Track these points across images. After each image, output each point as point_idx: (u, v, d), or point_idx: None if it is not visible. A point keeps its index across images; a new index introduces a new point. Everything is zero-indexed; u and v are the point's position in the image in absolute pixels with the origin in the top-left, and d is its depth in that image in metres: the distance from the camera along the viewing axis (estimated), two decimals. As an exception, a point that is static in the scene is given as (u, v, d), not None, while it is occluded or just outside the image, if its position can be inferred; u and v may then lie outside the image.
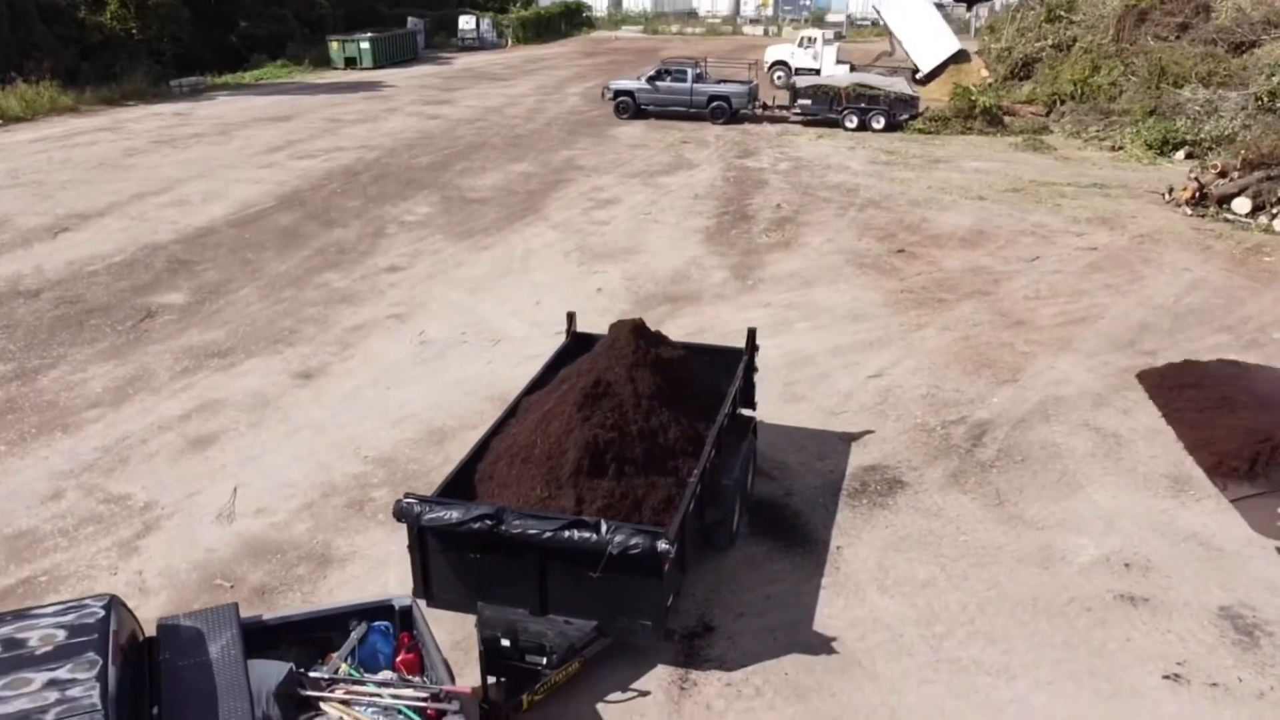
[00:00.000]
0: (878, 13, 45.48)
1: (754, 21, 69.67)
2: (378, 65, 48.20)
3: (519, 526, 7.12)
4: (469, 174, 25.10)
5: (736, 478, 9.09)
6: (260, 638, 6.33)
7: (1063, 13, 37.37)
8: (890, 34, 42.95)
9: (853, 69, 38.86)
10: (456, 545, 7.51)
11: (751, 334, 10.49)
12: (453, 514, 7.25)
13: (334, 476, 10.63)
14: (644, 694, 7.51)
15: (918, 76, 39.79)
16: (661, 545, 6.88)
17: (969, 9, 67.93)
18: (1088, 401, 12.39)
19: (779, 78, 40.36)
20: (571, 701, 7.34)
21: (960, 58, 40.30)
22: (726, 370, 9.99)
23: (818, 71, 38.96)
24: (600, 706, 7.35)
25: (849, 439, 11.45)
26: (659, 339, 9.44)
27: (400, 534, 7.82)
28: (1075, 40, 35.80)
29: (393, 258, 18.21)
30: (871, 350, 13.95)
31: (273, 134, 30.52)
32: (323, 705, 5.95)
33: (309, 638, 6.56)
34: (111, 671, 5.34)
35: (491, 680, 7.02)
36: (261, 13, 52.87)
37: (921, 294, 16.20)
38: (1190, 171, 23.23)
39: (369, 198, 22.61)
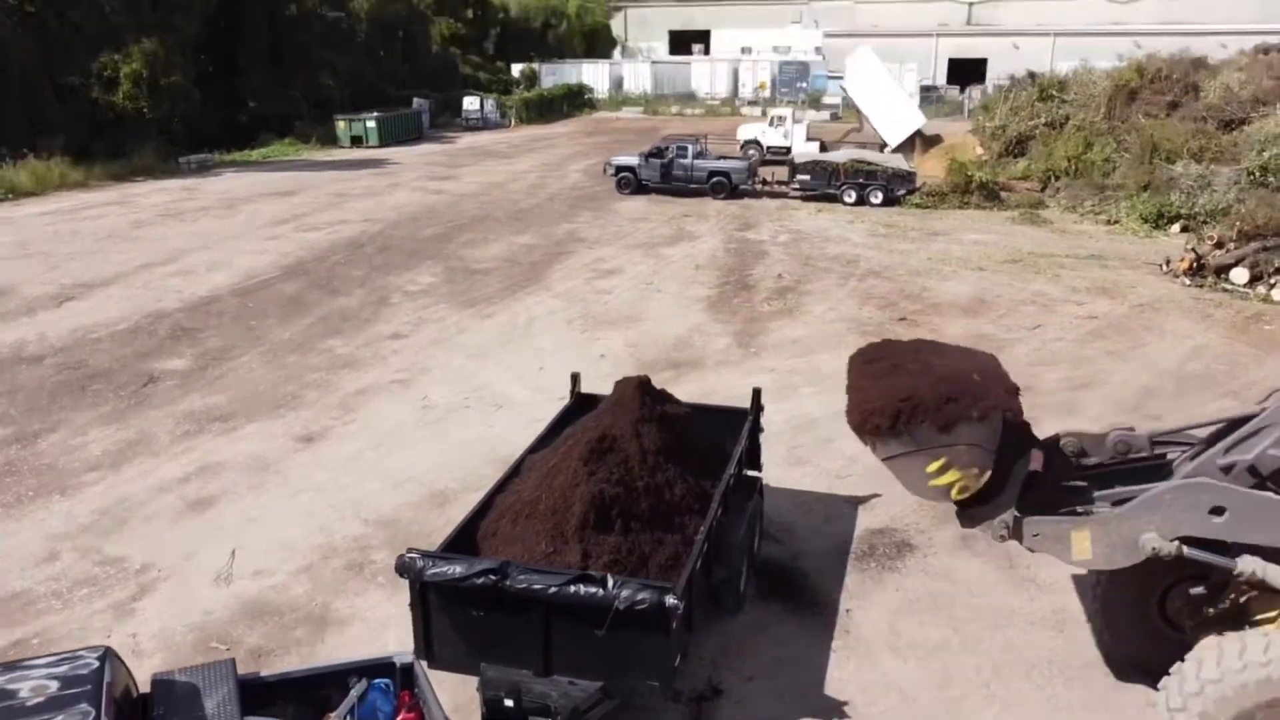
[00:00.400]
0: (844, 91, 46.71)
1: (752, 103, 71.04)
2: (383, 143, 49.07)
3: (524, 582, 6.97)
4: (472, 245, 25.35)
5: (743, 537, 8.96)
6: (258, 695, 6.15)
7: (1055, 92, 38.19)
8: (858, 111, 44.01)
9: (823, 146, 39.79)
10: (459, 602, 7.35)
11: (757, 394, 10.44)
12: (456, 569, 7.12)
13: (334, 539, 10.48)
14: (651, 758, 7.28)
15: (885, 151, 40.68)
16: (669, 601, 6.73)
17: (961, 91, 69.62)
18: (1095, 465, 12.26)
19: (751, 155, 40.93)
20: (577, 768, 7.10)
21: (936, 139, 41.54)
22: (732, 430, 9.92)
23: (788, 150, 39.73)
24: (607, 774, 7.11)
25: (855, 502, 11.33)
26: (664, 396, 9.40)
27: (400, 596, 7.66)
28: (1068, 118, 36.51)
29: (396, 325, 18.27)
30: (876, 415, 13.86)
31: (278, 208, 30.92)
32: (320, 764, 5.75)
33: (307, 696, 6.37)
34: (104, 723, 5.19)
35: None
36: (270, 93, 54.08)
37: (924, 360, 16.17)
38: (1187, 243, 23.46)
39: (373, 267, 22.79)
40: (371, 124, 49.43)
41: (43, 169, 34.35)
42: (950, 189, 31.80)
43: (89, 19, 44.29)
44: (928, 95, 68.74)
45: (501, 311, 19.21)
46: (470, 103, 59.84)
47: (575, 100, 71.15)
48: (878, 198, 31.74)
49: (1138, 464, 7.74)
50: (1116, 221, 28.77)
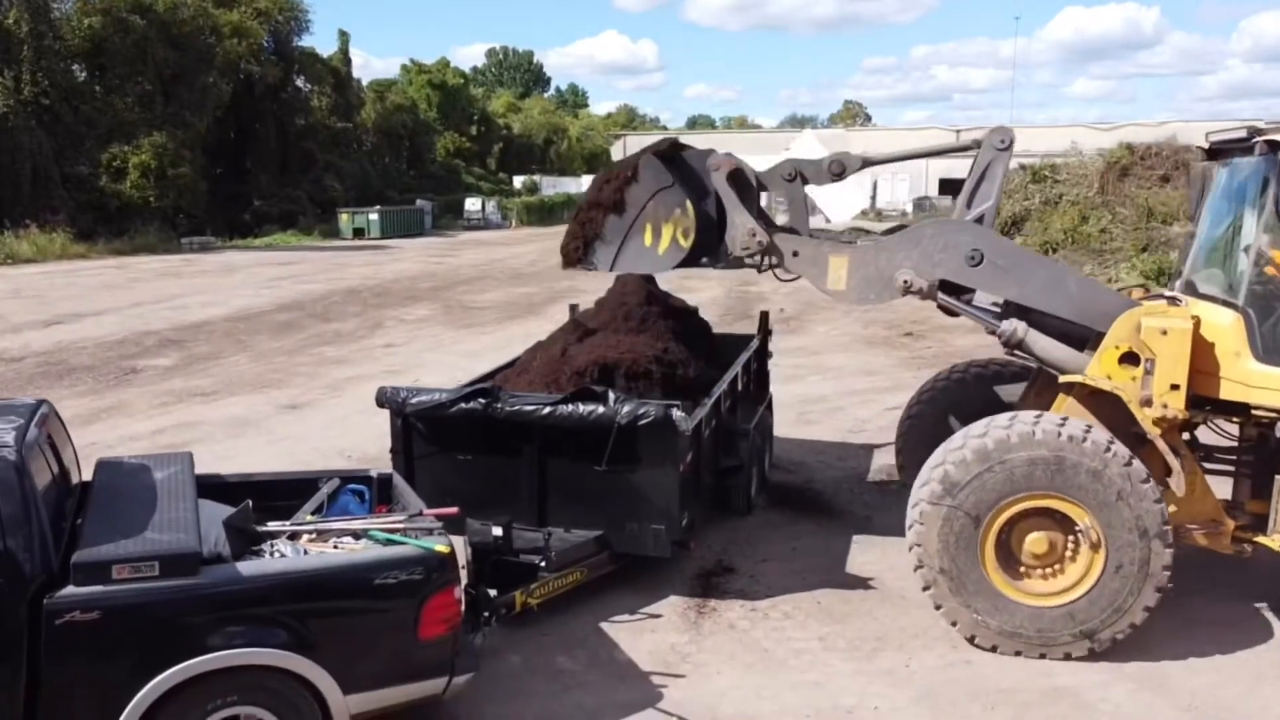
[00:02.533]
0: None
1: (749, 210, 72.62)
2: (386, 236, 49.59)
3: (515, 403, 6.36)
4: (471, 293, 25.14)
5: (753, 435, 8.31)
6: (218, 495, 5.47)
7: (1047, 174, 38.83)
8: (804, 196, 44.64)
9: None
10: (445, 445, 6.70)
11: (764, 317, 9.98)
12: (441, 395, 6.51)
13: (314, 469, 9.75)
14: (654, 616, 6.47)
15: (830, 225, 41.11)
16: (676, 414, 6.10)
17: (953, 199, 71.32)
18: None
19: None
20: (573, 620, 6.30)
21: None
22: (740, 351, 9.40)
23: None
24: (606, 626, 6.30)
25: (870, 447, 10.66)
26: (673, 298, 8.95)
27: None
28: (1061, 196, 36.99)
29: (390, 339, 17.82)
30: (886, 392, 13.31)
31: (277, 271, 30.86)
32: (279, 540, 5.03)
33: (274, 505, 5.65)
34: (32, 431, 4.56)
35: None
36: (276, 193, 55.11)
37: (934, 360, 15.69)
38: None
39: (369, 305, 22.50)
40: (374, 216, 50.12)
41: (44, 240, 34.51)
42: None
43: (102, 114, 45.49)
44: (920, 204, 70.29)
45: (498, 330, 18.79)
46: (472, 203, 60.94)
47: (574, 208, 72.62)
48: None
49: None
50: (1117, 280, 28.68)
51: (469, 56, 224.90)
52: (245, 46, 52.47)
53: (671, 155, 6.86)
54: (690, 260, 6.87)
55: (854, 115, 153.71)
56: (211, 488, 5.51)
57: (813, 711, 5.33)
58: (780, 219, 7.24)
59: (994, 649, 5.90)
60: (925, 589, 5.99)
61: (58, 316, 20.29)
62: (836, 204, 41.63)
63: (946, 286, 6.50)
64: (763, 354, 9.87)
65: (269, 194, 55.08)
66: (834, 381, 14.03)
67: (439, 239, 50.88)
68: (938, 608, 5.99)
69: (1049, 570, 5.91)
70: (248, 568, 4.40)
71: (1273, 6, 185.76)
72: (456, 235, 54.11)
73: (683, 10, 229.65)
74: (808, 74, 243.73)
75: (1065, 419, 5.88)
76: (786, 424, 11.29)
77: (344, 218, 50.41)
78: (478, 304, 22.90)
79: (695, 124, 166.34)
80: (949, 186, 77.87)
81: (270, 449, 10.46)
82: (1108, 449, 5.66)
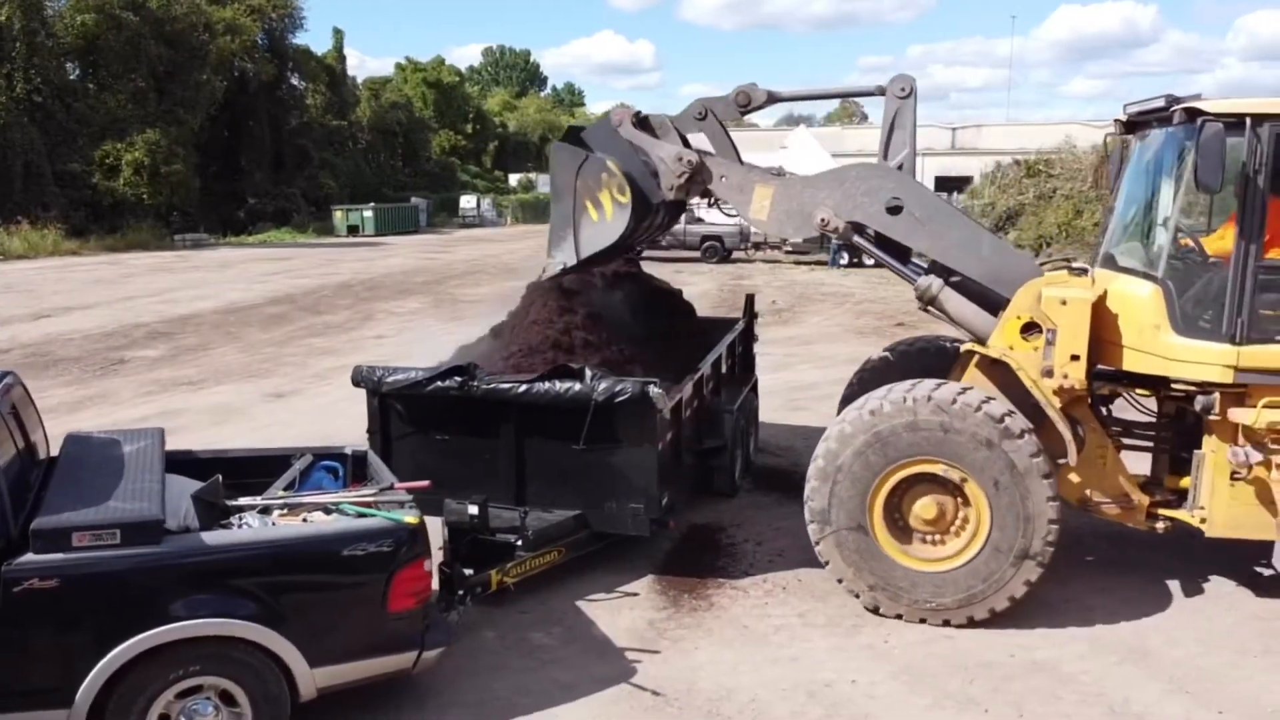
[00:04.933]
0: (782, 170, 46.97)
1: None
2: (380, 233, 49.51)
3: (491, 382, 6.29)
4: (463, 286, 25.09)
5: (737, 415, 8.25)
6: (189, 471, 5.40)
7: (1041, 168, 38.81)
8: None
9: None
10: (422, 425, 6.64)
11: (750, 300, 9.94)
12: (417, 374, 6.45)
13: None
14: (632, 595, 6.42)
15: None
16: (653, 390, 6.05)
17: (949, 195, 71.17)
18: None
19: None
20: (551, 598, 6.25)
21: None
22: (724, 334, 9.34)
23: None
24: (583, 604, 6.25)
25: (858, 433, 10.60)
26: (656, 278, 8.90)
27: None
28: (1056, 190, 36.97)
29: (380, 331, 17.77)
30: (876, 380, 13.27)
31: (270, 266, 30.79)
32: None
33: (247, 481, 5.59)
34: (-9, 398, 4.50)
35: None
36: (270, 191, 54.98)
37: (924, 349, 15.65)
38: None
39: (360, 299, 22.43)
40: (369, 214, 50.03)
41: (36, 237, 34.40)
42: (943, 248, 31.83)
43: (95, 111, 45.35)
44: (916, 199, 70.32)
45: (489, 323, 18.69)
46: (467, 200, 60.87)
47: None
48: (872, 259, 31.70)
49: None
50: (1111, 272, 28.67)
51: (465, 57, 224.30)
52: (239, 43, 52.36)
53: (575, 136, 7.02)
54: (639, 213, 6.86)
55: (850, 114, 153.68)
56: (183, 463, 5.46)
57: (791, 686, 5.28)
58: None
59: (875, 610, 6.00)
60: (812, 523, 6.07)
61: (47, 310, 20.21)
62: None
63: (861, 231, 6.53)
64: (748, 337, 9.82)
65: (263, 191, 54.95)
66: (824, 369, 13.98)
67: (434, 236, 50.83)
68: (816, 543, 6.06)
69: (935, 537, 5.96)
70: (212, 538, 4.34)
71: (1269, 5, 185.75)
72: (451, 232, 54.07)
73: (678, 10, 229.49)
74: (804, 73, 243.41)
75: (966, 387, 5.87)
76: (775, 410, 11.27)
77: (338, 215, 50.33)
78: (469, 297, 22.83)
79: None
80: (944, 187, 77.91)
81: (254, 435, 10.39)
82: (1001, 420, 5.63)
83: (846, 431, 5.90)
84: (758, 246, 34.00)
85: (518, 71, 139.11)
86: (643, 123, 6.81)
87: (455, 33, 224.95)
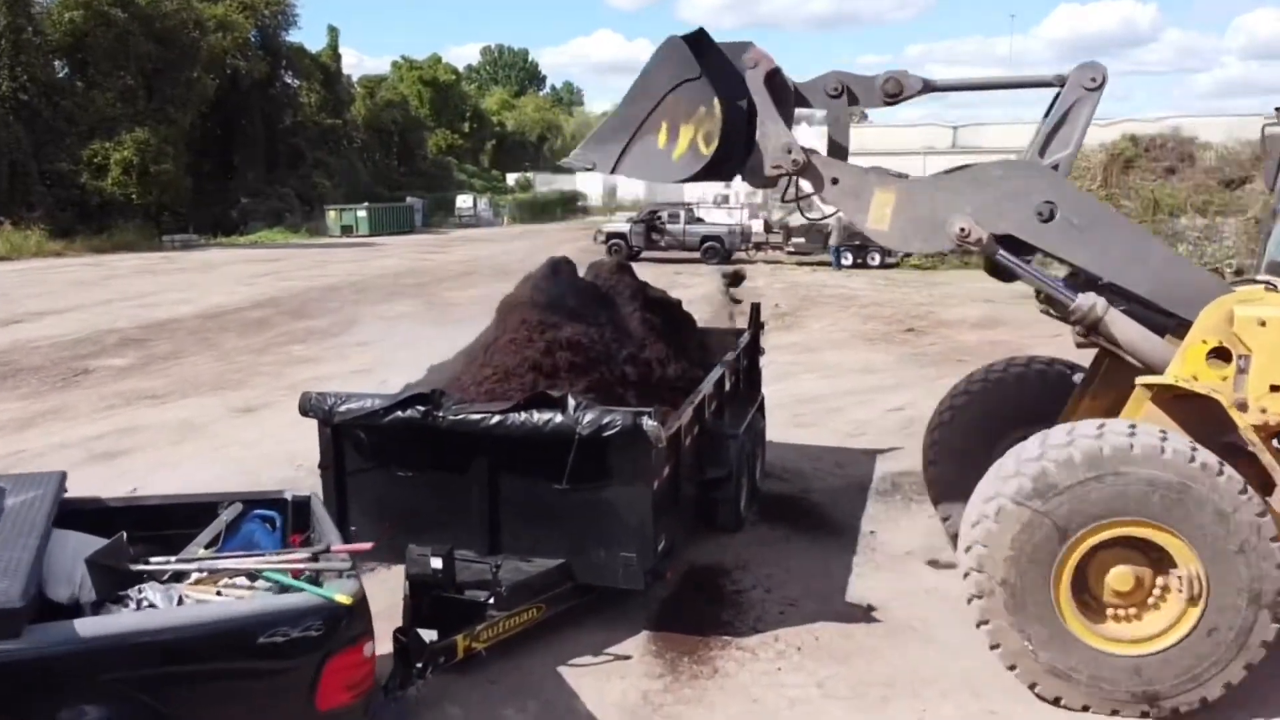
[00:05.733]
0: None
1: (744, 205, 71.47)
2: (374, 233, 48.70)
3: (459, 412, 5.43)
4: (454, 289, 24.22)
5: (743, 440, 7.37)
6: (95, 524, 4.52)
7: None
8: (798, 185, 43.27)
9: (767, 225, 39.07)
10: (382, 459, 5.78)
11: (755, 309, 9.09)
12: (374, 401, 5.58)
13: (259, 481, 8.82)
14: (623, 658, 5.55)
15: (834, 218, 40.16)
16: (648, 423, 5.18)
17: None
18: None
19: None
20: (527, 663, 5.39)
21: None
22: (728, 347, 8.46)
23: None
24: (565, 670, 5.38)
25: (872, 453, 9.75)
26: (650, 286, 8.04)
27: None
28: (1065, 189, 36.11)
29: (364, 336, 16.87)
30: (888, 391, 12.42)
31: (258, 268, 29.94)
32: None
33: (164, 534, 4.72)
34: None
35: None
36: (264, 190, 54.12)
37: (937, 357, 14.81)
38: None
39: (347, 302, 21.58)
40: (362, 213, 49.20)
41: (19, 238, 33.58)
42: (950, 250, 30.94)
43: (83, 109, 44.49)
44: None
45: (478, 327, 17.85)
46: (464, 200, 60.05)
47: (568, 205, 71.62)
48: (876, 259, 30.87)
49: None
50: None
51: (463, 56, 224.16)
52: (231, 41, 51.53)
53: (701, 44, 5.60)
54: (707, 173, 5.61)
55: (850, 113, 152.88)
56: (88, 515, 4.58)
57: (809, 780, 4.43)
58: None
59: (1033, 686, 4.96)
60: (975, 598, 4.91)
61: (19, 314, 19.37)
62: (832, 199, 40.71)
63: (1008, 243, 5.35)
64: (753, 350, 8.97)
65: (256, 191, 54.13)
66: (831, 380, 13.13)
67: (429, 236, 49.98)
68: (982, 623, 4.95)
69: (1128, 612, 4.87)
70: (88, 626, 3.46)
71: (1268, 4, 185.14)
72: (447, 233, 53.22)
73: (676, 9, 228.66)
74: (802, 72, 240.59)
75: (1162, 432, 4.81)
76: (780, 426, 10.40)
77: (331, 215, 49.50)
78: (460, 300, 21.95)
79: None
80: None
81: (213, 455, 9.54)
82: (1243, 492, 4.60)
83: (1074, 459, 4.73)
84: (759, 247, 33.17)
85: (516, 71, 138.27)
86: (773, 81, 5.59)
87: (454, 32, 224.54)
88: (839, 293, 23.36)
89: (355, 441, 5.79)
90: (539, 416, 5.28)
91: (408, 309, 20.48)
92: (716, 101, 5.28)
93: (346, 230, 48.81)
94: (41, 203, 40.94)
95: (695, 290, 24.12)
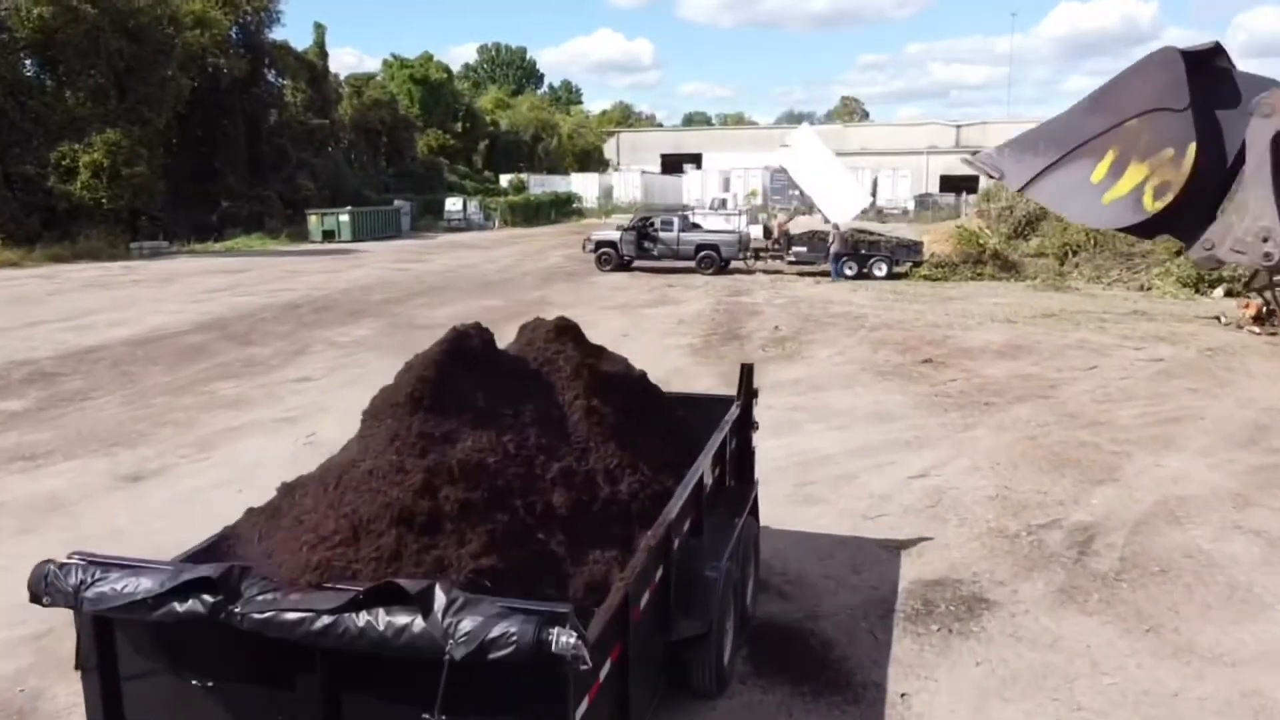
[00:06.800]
0: (785, 172, 43.18)
1: (743, 211, 69.38)
2: (357, 239, 46.62)
3: (266, 608, 3.43)
4: (426, 306, 22.21)
5: (727, 570, 5.38)
6: None
7: (1064, 168, 35.92)
8: (800, 191, 41.19)
9: (766, 232, 37.22)
10: (165, 661, 3.80)
11: (746, 372, 7.09)
12: (143, 583, 3.59)
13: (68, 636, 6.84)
14: None
15: (832, 229, 38.28)
16: (564, 640, 3.18)
17: (958, 196, 68.05)
18: (1226, 501, 8.78)
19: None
20: None
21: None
22: (711, 422, 6.45)
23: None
24: None
25: (894, 546, 7.76)
26: (602, 352, 6.02)
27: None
28: (1081, 193, 34.07)
29: (308, 370, 14.89)
30: (908, 450, 10.41)
31: (220, 280, 27.92)
32: None
33: None
34: None
35: None
36: (246, 193, 52.07)
37: (960, 398, 12.80)
38: (1242, 299, 20.43)
39: (303, 324, 19.56)
40: (345, 218, 47.14)
41: (-28, 246, 31.54)
42: (961, 260, 28.94)
43: (52, 109, 42.51)
44: (923, 201, 67.36)
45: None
46: (453, 203, 57.94)
47: (563, 207, 69.42)
48: (882, 270, 28.86)
49: None
50: (1150, 287, 25.81)
51: (463, 55, 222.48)
52: (209, 38, 49.52)
53: (1208, 65, 3.77)
54: (1142, 229, 3.87)
55: (851, 111, 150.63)
56: None
57: None
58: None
59: None
60: None
61: (-69, 341, 17.35)
62: (836, 204, 38.73)
63: None
64: (745, 427, 6.96)
65: (238, 194, 52.08)
66: (841, 432, 11.13)
67: (415, 241, 47.94)
68: None
69: None
70: None
71: (1268, 2, 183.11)
72: (434, 237, 51.16)
73: (676, 7, 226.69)
74: (802, 70, 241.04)
75: None
76: (781, 503, 8.46)
77: (313, 220, 47.42)
78: (428, 321, 19.94)
79: (691, 121, 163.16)
80: (951, 187, 74.36)
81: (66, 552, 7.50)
82: None
83: None
84: (758, 255, 31.11)
85: (514, 69, 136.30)
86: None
87: (454, 31, 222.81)
88: (845, 311, 21.36)
89: (129, 632, 3.81)
90: (386, 621, 3.29)
91: (367, 332, 18.48)
92: (1192, 149, 3.64)
93: (328, 235, 46.74)
94: (6, 208, 39.01)
95: (687, 307, 22.20)
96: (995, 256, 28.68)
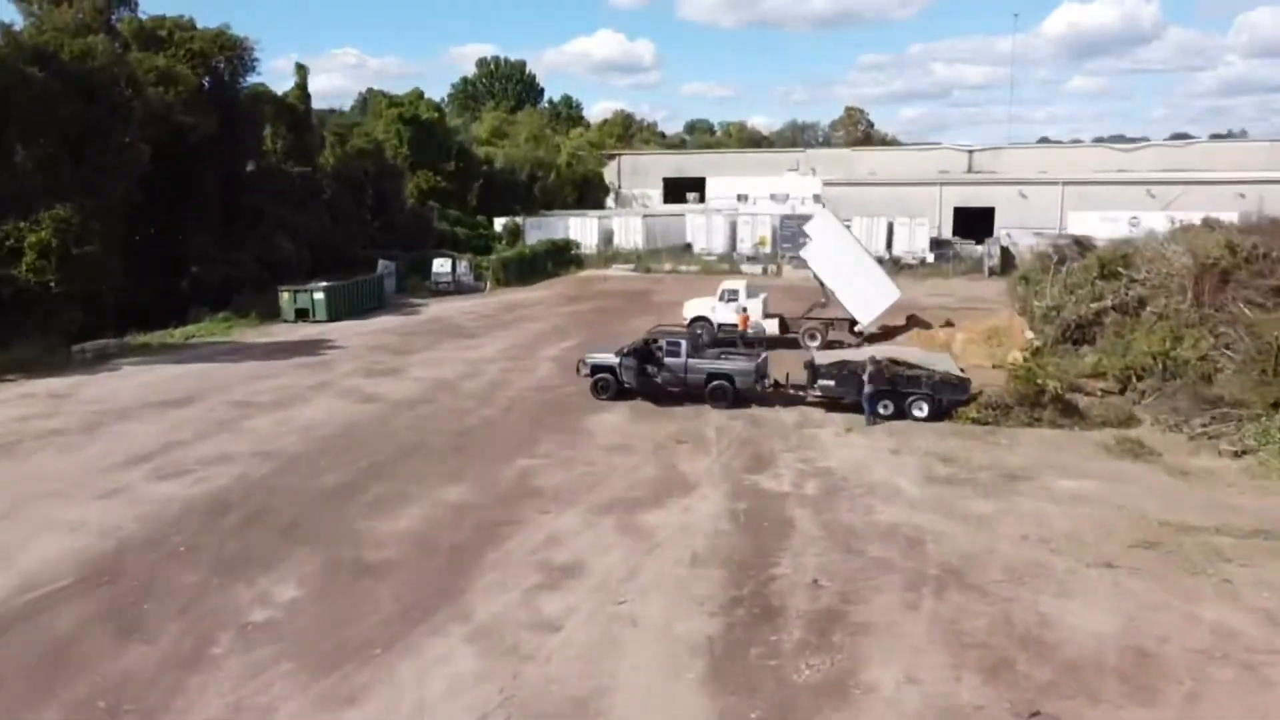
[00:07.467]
0: (806, 263, 39.48)
1: (751, 259, 65.35)
2: (333, 317, 42.72)
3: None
4: (380, 507, 18.23)
5: None
6: None
7: (1120, 269, 31.94)
8: (821, 284, 37.46)
9: (783, 324, 35.58)
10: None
11: None
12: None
13: None
14: None
15: (856, 330, 34.94)
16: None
17: (978, 243, 63.97)
18: None
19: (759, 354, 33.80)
20: None
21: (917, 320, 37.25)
22: None
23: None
24: None
25: None
26: None
27: None
28: (1142, 302, 30.11)
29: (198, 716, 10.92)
30: None
31: (151, 431, 23.92)
32: None
33: None
34: None
35: None
36: (218, 257, 48.17)
37: None
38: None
39: (220, 563, 15.59)
40: (320, 295, 43.19)
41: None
42: (1016, 401, 24.87)
43: (-4, 183, 38.62)
44: (942, 252, 63.37)
45: (377, 685, 11.88)
46: (440, 265, 53.97)
47: (560, 257, 65.42)
48: (922, 410, 24.85)
49: None
50: (1247, 453, 21.75)
51: (463, 56, 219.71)
52: (175, 95, 45.66)
53: None
54: None
55: (855, 122, 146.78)
56: None
57: None
58: None
59: None
60: None
61: None
62: (862, 301, 34.92)
63: None
64: None
65: (208, 258, 48.13)
66: None
67: (396, 319, 44.02)
68: None
69: None
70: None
71: (1271, 1, 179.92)
72: (420, 309, 47.26)
73: (677, 8, 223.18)
74: (803, 71, 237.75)
75: None
76: None
77: (284, 297, 43.49)
78: (379, 553, 16.00)
79: (694, 129, 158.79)
80: (966, 222, 70.03)
81: None
82: None
83: None
84: (778, 385, 27.09)
85: (513, 83, 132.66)
86: None
87: (454, 31, 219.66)
88: (893, 520, 17.35)
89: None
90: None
91: (294, 594, 14.49)
92: None
93: (301, 315, 42.79)
94: (-63, 299, 35.15)
95: (703, 505, 17.54)
96: (1056, 400, 24.62)
